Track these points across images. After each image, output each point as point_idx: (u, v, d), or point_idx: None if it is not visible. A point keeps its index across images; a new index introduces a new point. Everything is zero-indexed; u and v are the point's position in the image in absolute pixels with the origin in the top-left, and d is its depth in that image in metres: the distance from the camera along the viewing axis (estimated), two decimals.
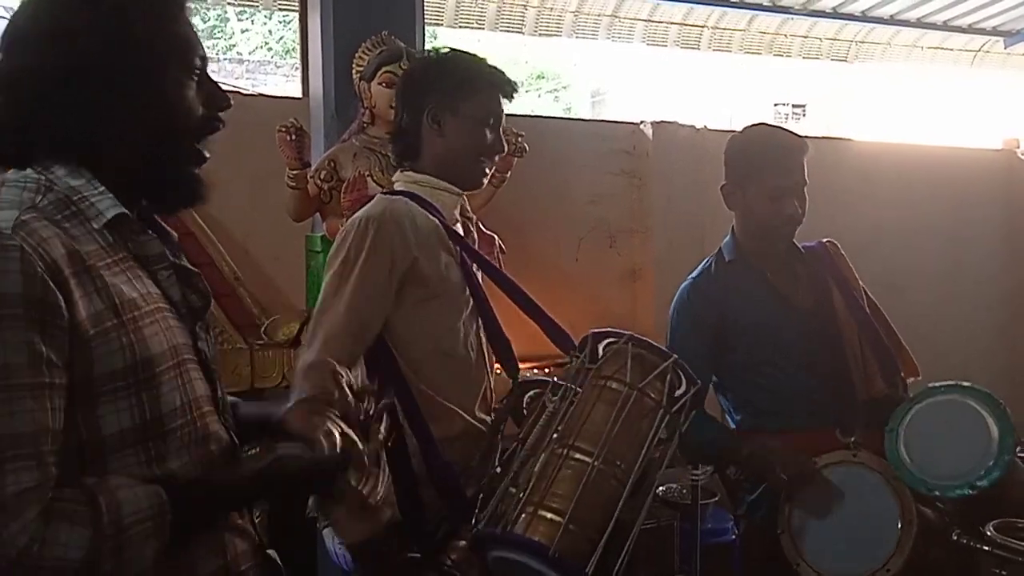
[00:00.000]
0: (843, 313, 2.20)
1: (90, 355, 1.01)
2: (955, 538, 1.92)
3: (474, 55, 1.88)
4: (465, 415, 1.85)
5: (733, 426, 2.31)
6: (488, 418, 1.88)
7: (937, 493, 1.94)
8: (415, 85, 1.88)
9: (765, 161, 2.17)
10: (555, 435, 1.58)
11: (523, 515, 1.52)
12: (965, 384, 2.03)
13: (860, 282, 2.31)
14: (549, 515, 1.49)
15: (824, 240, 2.33)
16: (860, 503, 2.01)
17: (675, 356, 1.63)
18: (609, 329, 1.66)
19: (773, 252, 2.26)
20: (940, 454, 1.97)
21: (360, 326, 1.75)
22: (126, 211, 1.10)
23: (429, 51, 1.91)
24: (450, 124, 1.83)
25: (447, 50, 1.89)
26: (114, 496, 0.99)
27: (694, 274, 2.31)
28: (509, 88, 1.87)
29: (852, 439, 2.06)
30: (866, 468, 2.03)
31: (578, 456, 1.54)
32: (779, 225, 2.19)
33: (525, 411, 1.83)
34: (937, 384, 2.06)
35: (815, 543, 2.00)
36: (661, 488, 3.33)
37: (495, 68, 1.86)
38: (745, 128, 2.28)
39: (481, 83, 1.84)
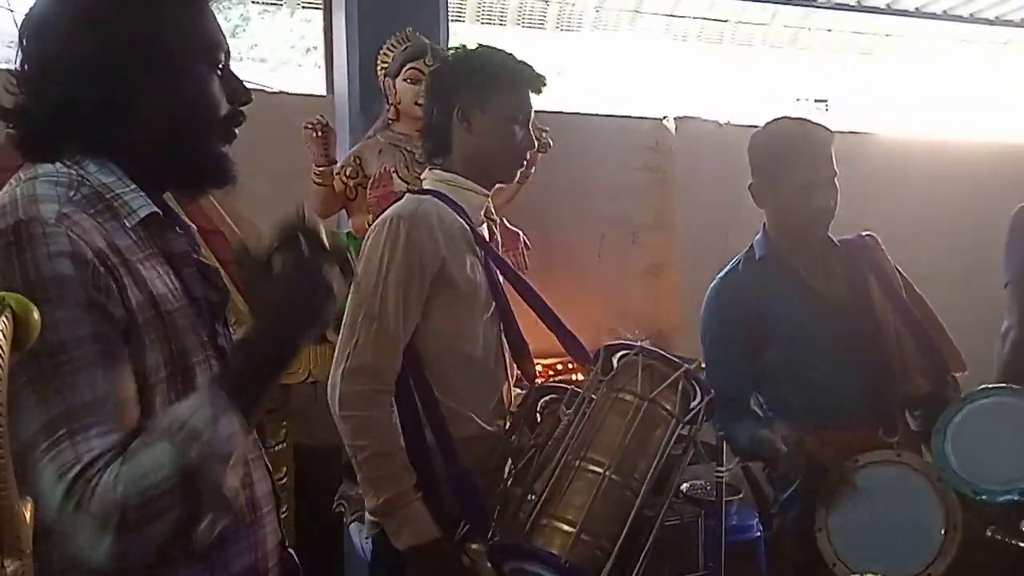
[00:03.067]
0: (881, 308, 2.15)
1: (141, 343, 1.03)
2: (989, 535, 1.89)
3: (502, 51, 1.87)
4: (478, 420, 1.84)
5: None
6: (503, 424, 1.88)
7: (984, 498, 1.90)
8: (444, 82, 1.88)
9: (794, 155, 2.12)
10: (569, 446, 1.61)
11: (537, 526, 1.55)
12: (1016, 387, 2.00)
13: (903, 275, 2.25)
14: (563, 526, 1.53)
15: (863, 233, 2.28)
16: (902, 504, 1.96)
17: (686, 366, 1.66)
18: (622, 341, 1.70)
19: (806, 248, 2.21)
20: (988, 457, 1.92)
21: (404, 326, 1.76)
22: (158, 211, 1.12)
23: (458, 47, 1.90)
24: (479, 121, 1.83)
25: (476, 46, 1.89)
26: (165, 412, 1.02)
27: (723, 273, 2.26)
28: (538, 83, 1.87)
29: (895, 439, 2.02)
30: (910, 469, 1.98)
31: (591, 467, 1.57)
32: (813, 218, 2.15)
33: (539, 416, 1.84)
34: (988, 385, 2.02)
35: (853, 543, 1.96)
36: (685, 485, 3.33)
37: (524, 63, 1.86)
38: (768, 123, 2.22)
39: (510, 79, 1.84)
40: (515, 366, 1.96)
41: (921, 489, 1.95)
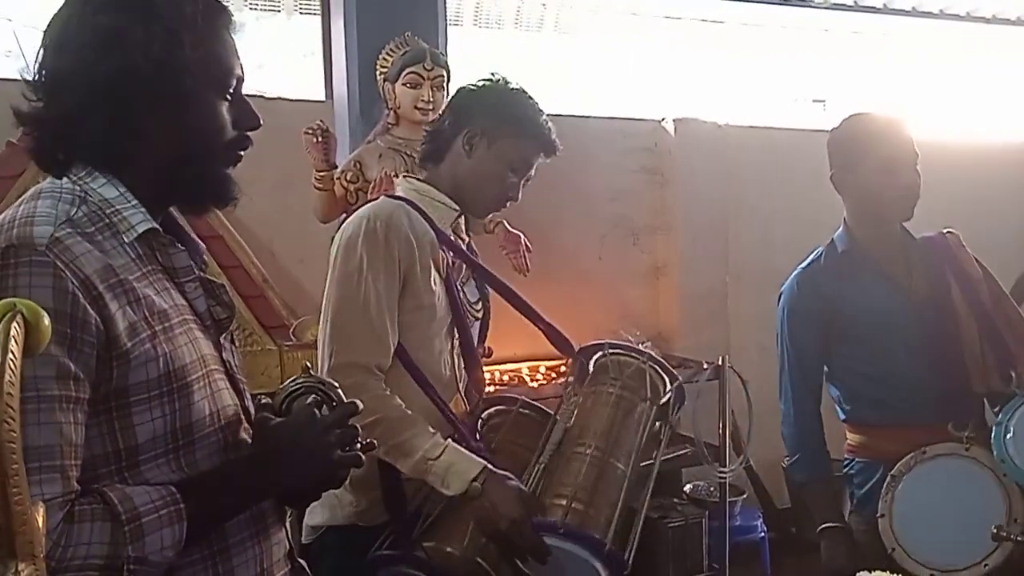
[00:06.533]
0: (961, 305, 2.14)
1: (127, 365, 1.04)
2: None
3: (536, 103, 1.91)
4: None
5: (843, 417, 2.27)
6: (450, 433, 1.82)
7: None
8: (469, 101, 1.91)
9: (873, 137, 2.14)
10: (555, 442, 1.73)
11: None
12: None
13: (986, 271, 2.25)
14: (557, 500, 1.64)
15: (944, 231, 2.29)
16: (966, 497, 2.00)
17: (649, 354, 1.84)
18: (593, 343, 1.86)
19: (888, 239, 2.21)
20: None
21: (390, 323, 1.76)
22: (156, 226, 1.13)
23: (498, 79, 1.93)
24: (481, 151, 1.86)
25: (516, 86, 1.92)
26: (124, 492, 1.02)
27: (803, 265, 2.27)
28: (551, 148, 1.91)
29: (966, 434, 2.04)
30: (977, 463, 2.01)
31: (577, 449, 1.71)
32: (898, 197, 2.14)
33: (481, 428, 1.87)
34: None
35: (914, 531, 2.00)
36: (689, 486, 3.35)
37: (548, 125, 1.89)
38: (843, 120, 2.24)
39: (528, 130, 1.87)
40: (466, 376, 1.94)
41: (986, 483, 1.99)
